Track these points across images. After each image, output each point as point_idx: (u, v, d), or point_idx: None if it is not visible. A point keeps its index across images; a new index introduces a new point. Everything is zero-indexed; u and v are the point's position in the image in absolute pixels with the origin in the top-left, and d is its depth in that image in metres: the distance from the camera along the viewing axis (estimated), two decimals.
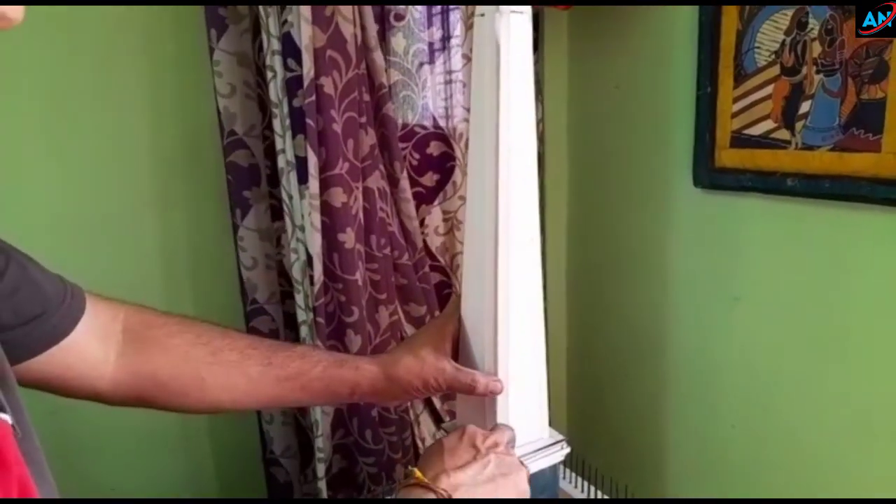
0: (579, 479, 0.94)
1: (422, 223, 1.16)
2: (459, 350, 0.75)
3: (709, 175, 1.00)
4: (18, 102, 1.01)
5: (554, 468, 0.77)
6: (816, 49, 0.84)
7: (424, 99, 1.13)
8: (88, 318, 0.61)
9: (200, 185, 1.15)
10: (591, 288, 1.36)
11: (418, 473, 0.59)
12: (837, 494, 0.91)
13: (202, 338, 0.68)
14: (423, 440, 1.18)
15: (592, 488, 0.93)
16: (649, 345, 1.20)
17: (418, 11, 1.09)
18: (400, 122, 1.11)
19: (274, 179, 1.07)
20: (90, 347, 0.61)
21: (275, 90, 0.98)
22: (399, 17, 1.07)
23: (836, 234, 0.87)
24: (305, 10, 0.93)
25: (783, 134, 0.90)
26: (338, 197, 1.00)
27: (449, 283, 1.22)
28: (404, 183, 1.10)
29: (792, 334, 0.95)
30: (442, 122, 1.15)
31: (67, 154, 1.06)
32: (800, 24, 0.86)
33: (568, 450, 0.77)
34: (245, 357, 0.68)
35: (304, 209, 1.00)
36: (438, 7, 1.10)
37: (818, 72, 0.84)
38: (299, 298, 1.05)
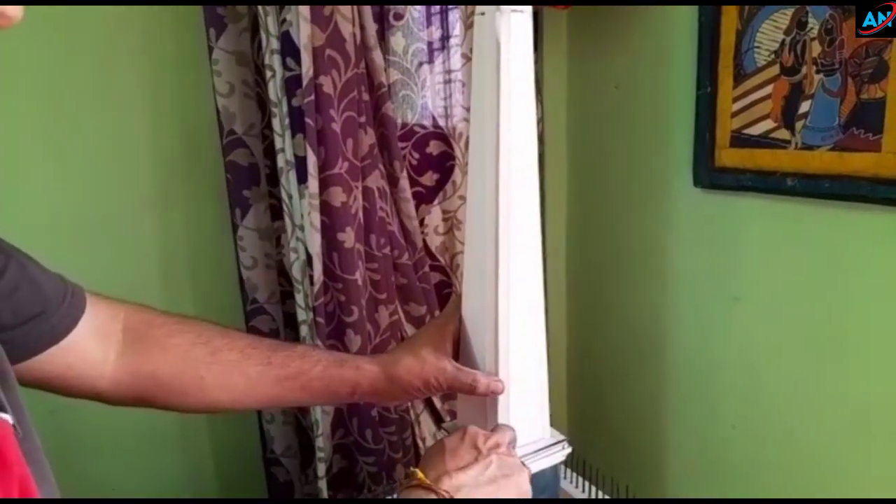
0: (580, 478, 0.94)
1: (421, 223, 1.16)
2: (460, 350, 0.75)
3: (708, 175, 1.00)
4: (18, 102, 1.01)
5: (555, 468, 0.77)
6: (816, 49, 0.84)
7: (424, 98, 1.13)
8: (88, 318, 0.61)
9: (200, 185, 1.15)
10: (590, 288, 1.36)
11: (420, 474, 0.59)
12: (837, 494, 0.92)
13: (202, 337, 0.68)
14: (423, 440, 1.18)
15: (593, 488, 0.93)
16: (649, 344, 1.20)
17: (417, 11, 1.09)
18: (399, 121, 1.11)
19: (273, 179, 1.07)
20: (90, 347, 0.61)
21: (274, 89, 0.98)
22: (398, 17, 1.07)
23: (835, 234, 0.87)
24: (304, 10, 0.92)
25: (783, 134, 0.90)
26: (337, 196, 1.00)
27: (449, 282, 1.22)
28: (404, 182, 1.10)
29: (791, 334, 0.95)
30: (441, 122, 1.15)
31: (67, 154, 1.06)
32: (799, 24, 0.86)
33: (569, 450, 0.77)
34: (245, 357, 0.68)
35: (303, 209, 1.00)
36: (437, 6, 1.10)
37: (818, 71, 0.84)
38: (299, 298, 1.05)
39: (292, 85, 0.97)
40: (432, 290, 1.17)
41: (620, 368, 1.29)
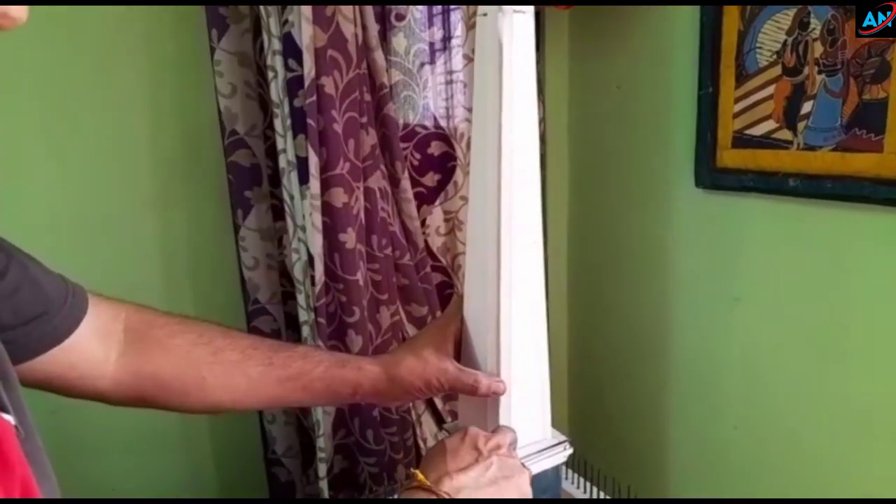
0: (581, 479, 0.94)
1: (423, 223, 1.16)
2: (462, 351, 0.75)
3: (710, 175, 1.00)
4: (19, 102, 1.01)
5: (556, 469, 0.77)
6: (818, 49, 0.84)
7: (425, 99, 1.13)
8: (90, 318, 0.61)
9: (201, 185, 1.15)
10: (592, 288, 1.36)
11: (420, 476, 0.59)
12: (838, 494, 0.91)
13: (203, 337, 0.67)
14: (424, 440, 1.18)
15: (594, 489, 0.93)
16: (650, 345, 1.19)
17: (419, 11, 1.09)
18: (401, 122, 1.11)
19: (275, 179, 1.07)
20: (92, 347, 0.61)
21: (276, 90, 0.98)
22: (400, 17, 1.07)
23: (837, 234, 0.87)
24: (306, 10, 0.92)
25: (785, 134, 0.89)
26: (339, 197, 0.99)
27: (450, 283, 1.21)
28: (405, 183, 1.10)
29: (793, 335, 0.94)
30: (443, 123, 1.15)
31: (68, 154, 1.06)
32: (801, 24, 0.86)
33: (570, 451, 0.77)
34: (246, 357, 0.68)
35: (305, 209, 1.00)
36: (439, 7, 1.10)
37: (820, 72, 0.84)
38: (300, 298, 1.05)
39: (294, 86, 0.97)
40: (434, 291, 1.17)
41: (622, 368, 1.29)
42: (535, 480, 0.68)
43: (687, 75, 1.02)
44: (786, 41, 0.88)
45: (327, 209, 1.00)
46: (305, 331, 1.06)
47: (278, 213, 1.09)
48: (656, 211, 1.14)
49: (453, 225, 1.18)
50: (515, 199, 0.68)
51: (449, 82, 1.14)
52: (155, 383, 0.65)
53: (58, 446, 1.04)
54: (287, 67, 0.97)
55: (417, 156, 1.15)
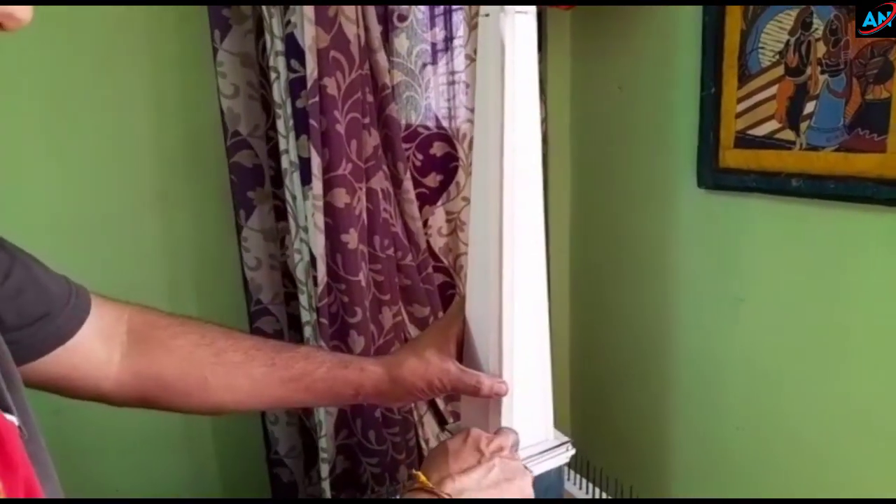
0: (583, 480, 0.94)
1: (425, 224, 1.16)
2: (464, 351, 0.75)
3: (713, 175, 1.00)
4: (21, 103, 1.01)
5: (559, 470, 0.77)
6: (821, 49, 0.84)
7: (427, 100, 1.13)
8: (93, 319, 0.61)
9: (203, 186, 1.15)
10: (594, 288, 1.36)
11: (422, 477, 0.59)
12: (840, 495, 0.91)
13: (206, 338, 0.68)
14: (426, 441, 1.18)
15: (596, 489, 0.93)
16: (653, 345, 1.19)
17: (421, 12, 1.09)
18: (403, 122, 1.11)
19: (278, 180, 1.07)
20: (95, 348, 0.61)
21: (278, 91, 0.98)
22: (402, 18, 1.07)
23: (840, 234, 0.87)
24: (309, 11, 0.93)
25: (788, 134, 0.89)
26: (341, 198, 1.00)
27: (452, 284, 1.22)
28: (407, 184, 1.10)
29: (796, 335, 0.94)
30: (445, 123, 1.15)
31: (70, 155, 1.06)
32: (804, 25, 0.85)
33: (573, 451, 0.77)
34: (249, 358, 0.68)
35: (307, 210, 1.00)
36: (441, 7, 1.10)
37: (823, 72, 0.84)
38: (303, 299, 1.05)
39: (297, 86, 0.97)
40: (436, 292, 1.17)
41: (624, 369, 1.29)
42: (538, 481, 0.68)
43: (689, 75, 1.02)
44: (788, 41, 0.88)
45: (329, 210, 1.00)
46: (307, 331, 1.06)
47: (281, 213, 1.10)
48: (658, 211, 1.14)
49: (455, 225, 1.18)
50: (517, 200, 0.68)
51: (451, 83, 1.14)
52: (158, 384, 0.65)
53: (61, 447, 1.05)
54: (289, 68, 0.97)
55: (419, 156, 1.15)
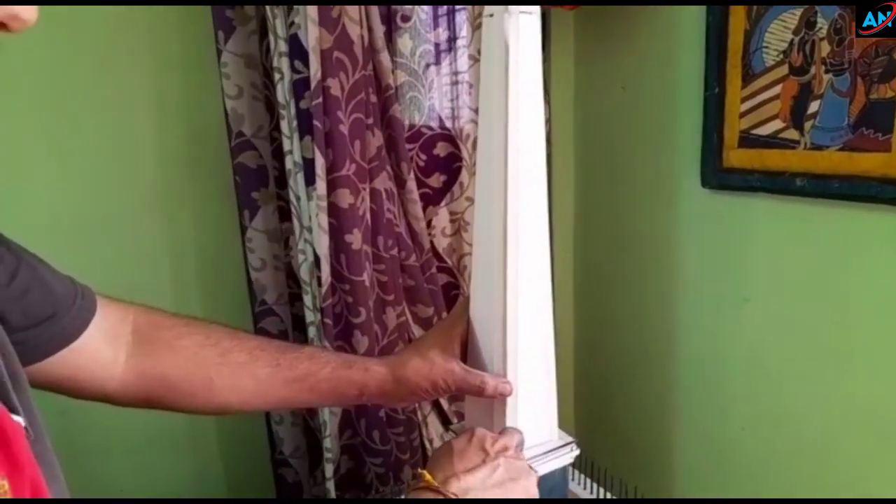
0: (587, 480, 0.94)
1: (429, 224, 1.16)
2: (468, 352, 0.75)
3: (717, 175, 1.00)
4: (22, 103, 1.01)
5: (563, 470, 0.77)
6: (825, 48, 0.84)
7: (431, 100, 1.13)
8: (99, 320, 0.61)
9: (207, 186, 1.15)
10: (598, 288, 1.36)
11: (428, 476, 0.59)
12: (845, 495, 0.91)
13: (211, 339, 0.68)
14: (430, 441, 1.18)
15: (601, 489, 0.93)
16: (657, 345, 1.19)
17: (425, 12, 1.09)
18: (407, 123, 1.11)
19: (282, 181, 1.08)
20: (100, 349, 0.62)
21: (282, 92, 0.98)
22: (405, 19, 1.07)
23: (844, 234, 0.86)
24: (312, 12, 0.93)
25: (792, 134, 0.89)
26: (345, 198, 1.00)
27: (456, 284, 1.22)
28: (411, 184, 1.10)
29: (801, 335, 0.94)
30: (448, 123, 1.15)
31: (71, 155, 1.06)
32: (808, 24, 0.85)
33: (577, 452, 0.77)
34: (254, 358, 0.68)
35: (311, 210, 1.00)
36: (444, 8, 1.10)
37: (827, 71, 0.84)
38: (307, 299, 1.05)
39: (300, 87, 0.98)
40: (440, 292, 1.17)
41: (628, 369, 1.29)
42: (542, 481, 0.68)
43: (693, 75, 1.02)
44: (792, 41, 0.87)
45: (333, 210, 1.01)
46: (312, 332, 1.06)
47: (285, 214, 1.10)
48: (662, 211, 1.13)
49: (459, 226, 1.18)
50: (521, 200, 0.68)
51: (454, 83, 1.14)
52: (162, 385, 0.65)
53: (66, 447, 1.05)
54: (293, 69, 0.97)
55: (423, 157, 1.15)
